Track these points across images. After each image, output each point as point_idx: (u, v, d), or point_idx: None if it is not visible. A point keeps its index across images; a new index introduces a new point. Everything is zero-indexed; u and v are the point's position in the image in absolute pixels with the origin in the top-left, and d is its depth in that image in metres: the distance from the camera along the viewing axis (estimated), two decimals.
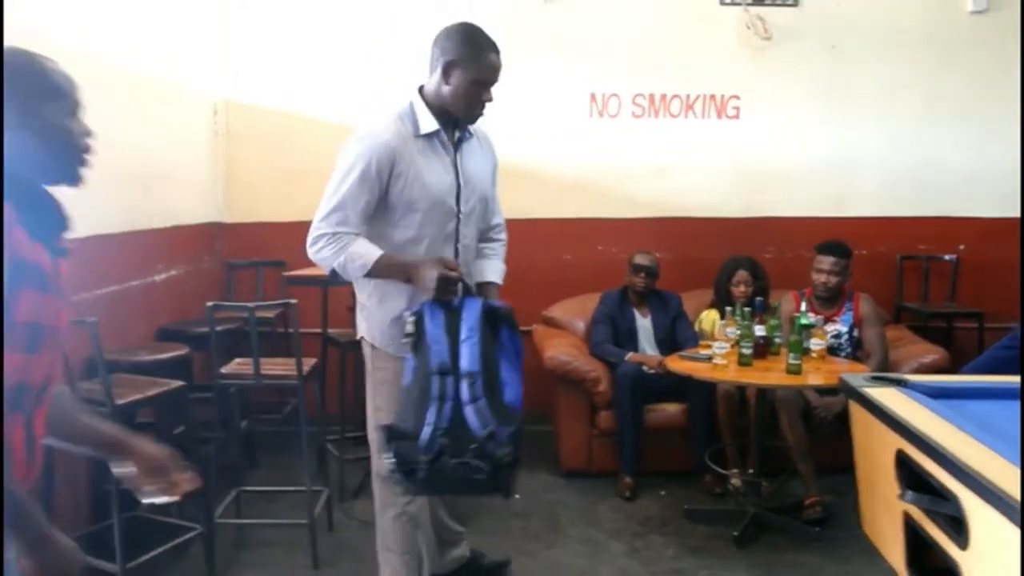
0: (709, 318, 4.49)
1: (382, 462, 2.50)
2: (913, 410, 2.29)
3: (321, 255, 2.73)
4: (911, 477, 2.20)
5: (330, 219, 2.72)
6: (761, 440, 3.88)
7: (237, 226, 5.40)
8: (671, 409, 4.45)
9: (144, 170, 4.25)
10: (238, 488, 3.83)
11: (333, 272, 2.75)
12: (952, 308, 5.25)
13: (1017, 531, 1.57)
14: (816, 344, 3.81)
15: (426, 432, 2.40)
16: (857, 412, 2.60)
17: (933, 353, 4.48)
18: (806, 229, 5.27)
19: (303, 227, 5.26)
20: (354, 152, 2.72)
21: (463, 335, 2.54)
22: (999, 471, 1.76)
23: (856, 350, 4.40)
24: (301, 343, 5.10)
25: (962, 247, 5.38)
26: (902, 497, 2.13)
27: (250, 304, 3.31)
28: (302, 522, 3.50)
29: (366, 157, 2.69)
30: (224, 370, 3.48)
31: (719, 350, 3.67)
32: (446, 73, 2.75)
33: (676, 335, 4.58)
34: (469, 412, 2.45)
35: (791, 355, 3.57)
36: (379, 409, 2.88)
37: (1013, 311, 5.24)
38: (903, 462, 2.23)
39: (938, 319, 5.21)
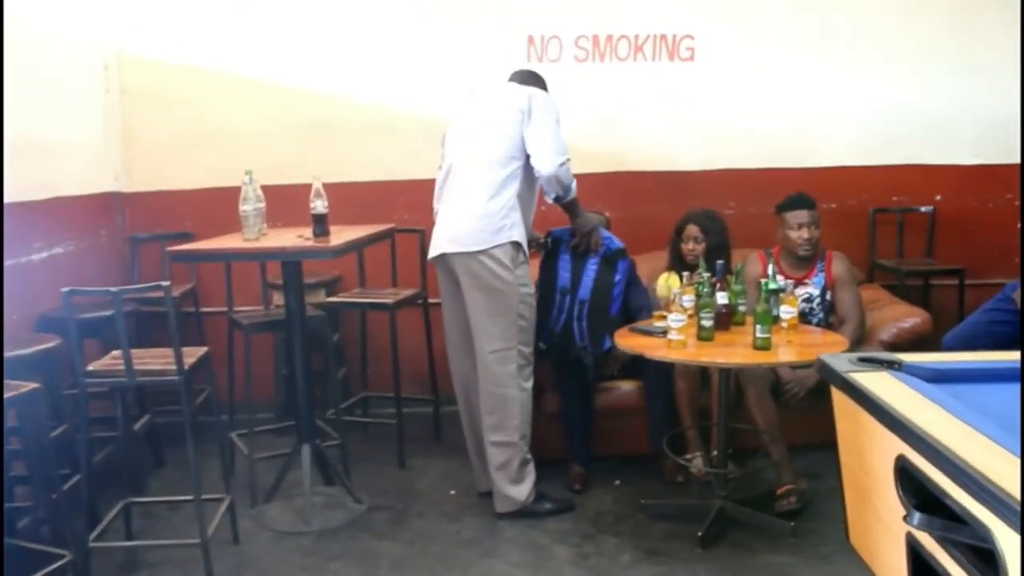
0: (666, 283, 4.00)
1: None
2: (915, 404, 1.82)
3: (569, 174, 3.43)
4: (916, 488, 1.75)
5: (563, 148, 3.38)
6: (726, 424, 3.41)
7: (138, 195, 4.81)
8: (625, 387, 3.97)
9: (16, 134, 3.65)
10: (125, 500, 3.29)
11: (567, 188, 3.47)
12: (930, 265, 4.80)
13: None
14: (786, 312, 3.31)
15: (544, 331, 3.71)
16: (843, 403, 2.13)
17: (913, 316, 4.03)
18: (770, 181, 4.78)
19: (212, 194, 4.80)
20: (551, 101, 3.44)
21: (585, 272, 3.72)
22: None
23: (828, 315, 3.95)
24: (206, 326, 4.65)
25: (938, 198, 4.94)
26: (908, 520, 1.67)
27: (114, 288, 2.75)
28: (192, 541, 2.98)
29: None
30: (93, 367, 2.93)
31: (675, 323, 3.14)
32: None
33: (629, 304, 4.10)
34: (574, 327, 3.70)
35: (759, 327, 3.07)
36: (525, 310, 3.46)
37: (995, 267, 4.85)
38: (906, 471, 1.77)
39: (915, 277, 4.77)
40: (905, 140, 4.91)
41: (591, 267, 3.73)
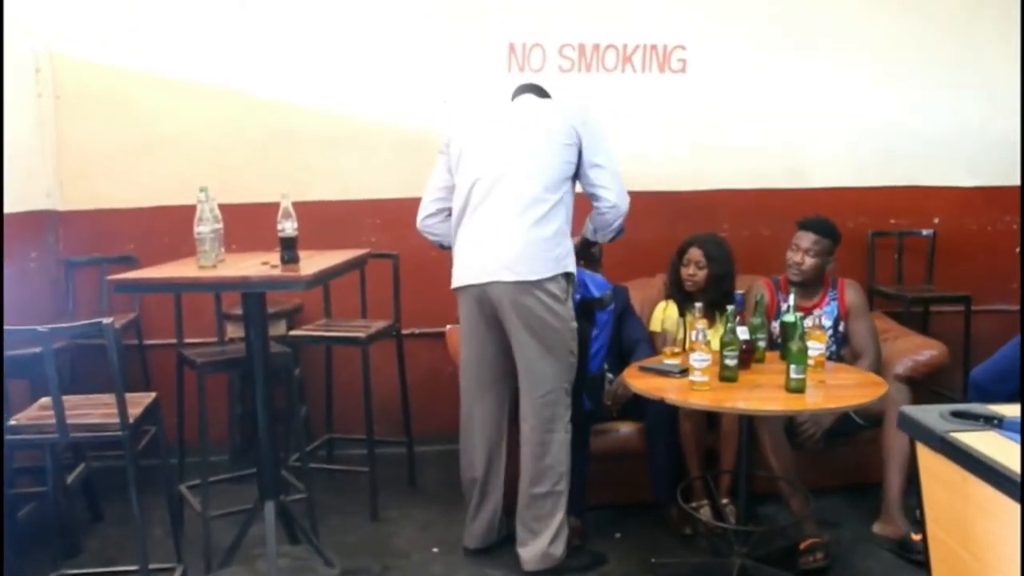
0: (670, 316, 3.65)
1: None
2: None
3: None
4: None
5: None
6: (747, 475, 3.05)
7: (74, 214, 4.31)
8: (624, 429, 3.60)
9: None
10: (57, 572, 2.81)
11: (618, 231, 3.24)
12: (931, 291, 4.53)
13: None
14: (814, 348, 2.97)
15: None
16: (938, 467, 1.78)
17: (929, 348, 3.73)
18: (764, 202, 4.54)
19: (157, 213, 4.31)
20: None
21: None
22: None
23: (841, 347, 3.65)
24: (150, 360, 4.16)
25: (936, 220, 4.68)
26: None
27: (43, 328, 2.29)
28: None
29: None
30: (18, 419, 2.46)
31: (699, 363, 2.78)
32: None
33: (623, 336, 3.74)
34: None
35: (793, 368, 2.72)
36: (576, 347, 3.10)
37: (997, 292, 4.63)
38: None
39: (919, 304, 4.50)
40: (901, 160, 4.66)
41: None
